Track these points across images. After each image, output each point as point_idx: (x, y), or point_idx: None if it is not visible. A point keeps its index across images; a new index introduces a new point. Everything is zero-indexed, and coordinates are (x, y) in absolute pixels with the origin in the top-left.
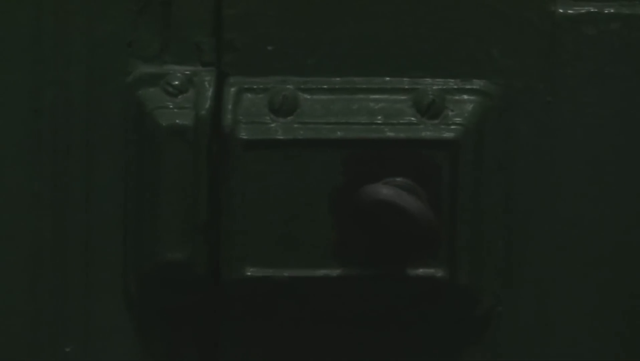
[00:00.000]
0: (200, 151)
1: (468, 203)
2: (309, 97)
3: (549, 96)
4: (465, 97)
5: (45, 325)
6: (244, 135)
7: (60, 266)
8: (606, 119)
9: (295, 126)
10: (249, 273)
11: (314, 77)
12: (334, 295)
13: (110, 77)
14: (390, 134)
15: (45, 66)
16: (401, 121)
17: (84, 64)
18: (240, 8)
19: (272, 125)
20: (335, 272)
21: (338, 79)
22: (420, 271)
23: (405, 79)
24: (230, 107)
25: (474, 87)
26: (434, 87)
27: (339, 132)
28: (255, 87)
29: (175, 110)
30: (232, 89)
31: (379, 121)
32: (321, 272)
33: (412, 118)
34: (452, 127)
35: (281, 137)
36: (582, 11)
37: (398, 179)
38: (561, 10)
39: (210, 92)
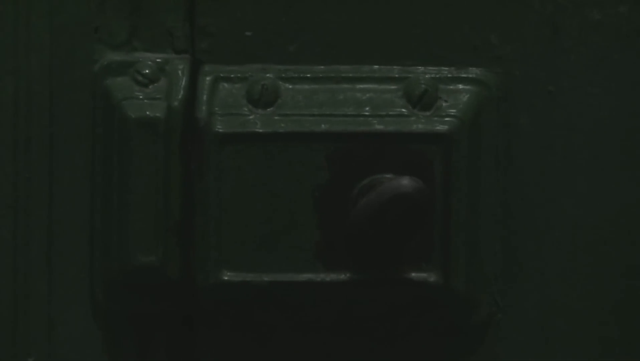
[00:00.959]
0: (173, 145)
1: (463, 202)
2: (290, 86)
3: (551, 85)
4: (461, 86)
5: (6, 334)
6: (220, 128)
7: (21, 271)
8: (612, 110)
9: (276, 118)
10: (226, 278)
11: (296, 65)
12: (318, 302)
13: (75, 66)
14: (379, 127)
15: (3, 54)
16: (391, 113)
17: (46, 52)
18: None
19: (251, 117)
20: (319, 277)
21: (322, 67)
22: (413, 275)
23: (395, 67)
24: (205, 97)
25: (470, 76)
26: (427, 76)
27: (323, 125)
28: (232, 76)
29: (145, 101)
30: (207, 78)
31: (367, 113)
32: (304, 277)
33: (403, 110)
34: (446, 119)
35: (260, 131)
36: None
37: (387, 176)
38: None
39: (183, 82)
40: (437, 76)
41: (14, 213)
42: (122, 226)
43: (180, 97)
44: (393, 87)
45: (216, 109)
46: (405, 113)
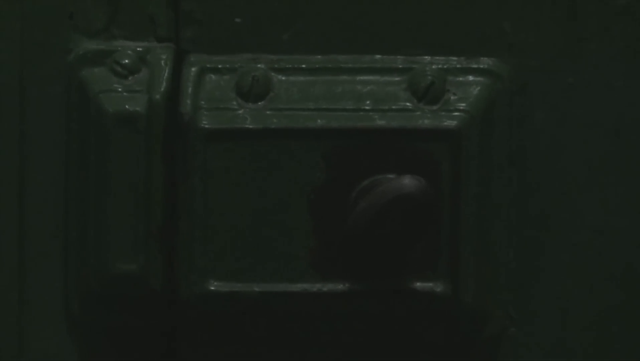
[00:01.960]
0: (155, 142)
1: (473, 205)
2: (283, 78)
3: (570, 77)
4: (471, 78)
5: None
6: (206, 124)
7: None
8: (638, 105)
9: (268, 112)
10: (213, 288)
11: (290, 55)
12: (314, 314)
13: (48, 56)
14: (381, 122)
15: None
16: (394, 107)
17: (16, 40)
18: None
19: (240, 112)
20: (315, 287)
21: (319, 57)
22: (417, 285)
23: (398, 57)
24: (190, 90)
25: (481, 66)
26: (433, 67)
27: (319, 121)
28: (219, 66)
29: (124, 94)
30: (193, 69)
31: (368, 107)
32: (299, 287)
33: (407, 104)
34: (455, 114)
35: (250, 127)
36: None
37: (389, 176)
38: None
39: (166, 73)
40: (445, 66)
41: None
42: (99, 232)
43: (162, 89)
44: (396, 78)
45: (202, 103)
46: (410, 107)
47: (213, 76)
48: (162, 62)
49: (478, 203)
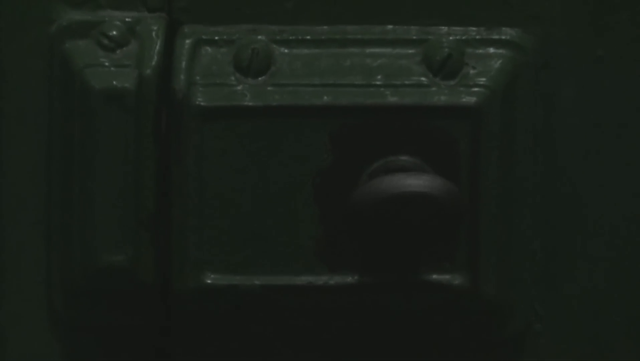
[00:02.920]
0: (145, 122)
1: (495, 189)
2: (286, 51)
3: (600, 49)
4: (492, 50)
5: None
6: (201, 101)
7: None
8: None
9: (269, 89)
10: (209, 281)
11: (293, 26)
12: (320, 310)
13: (29, 27)
14: (393, 99)
15: None
16: (407, 82)
17: None
18: None
19: (239, 88)
20: (321, 280)
21: (325, 27)
22: (434, 278)
23: (412, 27)
24: (183, 65)
25: (503, 37)
26: (450, 38)
27: (325, 97)
28: (216, 38)
29: (112, 69)
30: (187, 42)
31: (378, 83)
32: (303, 280)
33: (422, 78)
34: (474, 90)
35: (250, 104)
36: None
37: (403, 158)
38: None
39: (157, 46)
40: (463, 37)
41: None
42: (84, 220)
43: (153, 64)
44: (410, 51)
45: (197, 78)
46: (425, 83)
47: (209, 49)
48: (153, 33)
49: (500, 187)
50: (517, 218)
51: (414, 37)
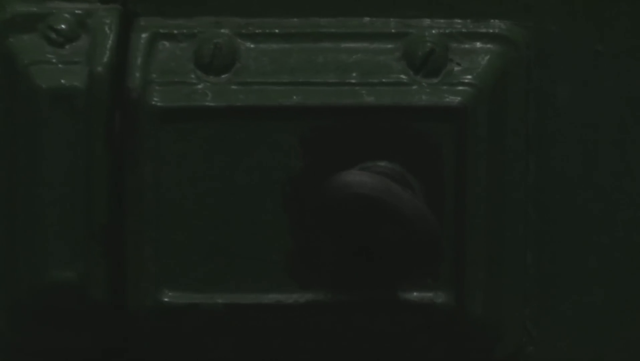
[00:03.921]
0: (97, 124)
1: (482, 198)
2: (252, 46)
3: (599, 44)
4: (479, 45)
5: None
6: (158, 101)
7: None
8: None
9: (233, 88)
10: (167, 299)
11: (260, 18)
12: (290, 331)
13: None
14: (370, 99)
15: None
16: (385, 80)
17: None
18: None
19: (200, 87)
20: (291, 298)
21: (295, 20)
22: (415, 295)
23: (391, 20)
24: (139, 61)
25: (491, 30)
26: (433, 32)
27: (295, 97)
28: (175, 32)
29: (60, 66)
30: (143, 36)
31: (354, 80)
32: (271, 298)
33: (402, 76)
34: (459, 88)
35: (212, 105)
36: None
37: (381, 163)
38: None
39: (111, 40)
40: (447, 31)
41: None
42: (30, 233)
43: (106, 60)
44: (389, 46)
45: (154, 76)
46: (405, 81)
47: (167, 44)
48: (106, 27)
49: (488, 195)
50: (507, 230)
51: (393, 31)
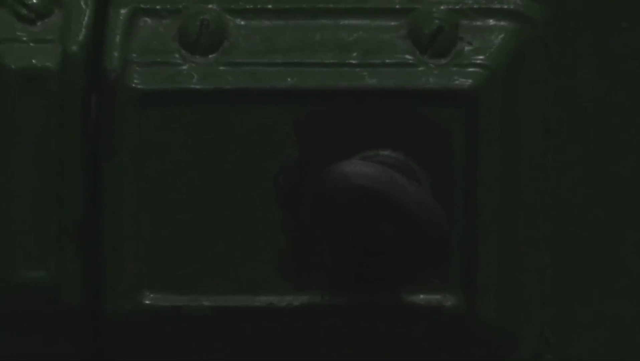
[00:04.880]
0: (71, 108)
1: (495, 190)
2: (242, 23)
3: (624, 21)
4: (492, 22)
5: None
6: (139, 83)
7: None
8: None
9: (222, 69)
10: (148, 302)
11: None
12: (282, 336)
13: None
14: (372, 81)
15: None
16: (389, 61)
17: None
18: None
19: (185, 67)
20: (285, 300)
21: None
22: (421, 298)
23: None
24: (118, 39)
25: (505, 6)
26: (442, 8)
27: (289, 79)
28: (158, 7)
29: (31, 44)
30: (122, 11)
31: (354, 61)
32: (263, 300)
33: (407, 56)
34: (470, 70)
35: (198, 87)
36: None
37: (384, 152)
38: None
39: (86, 17)
40: (458, 6)
41: None
42: None
43: (81, 39)
44: (393, 23)
45: (134, 56)
46: (411, 61)
47: (149, 20)
48: (82, 2)
49: (502, 188)
50: (522, 226)
51: (398, 6)
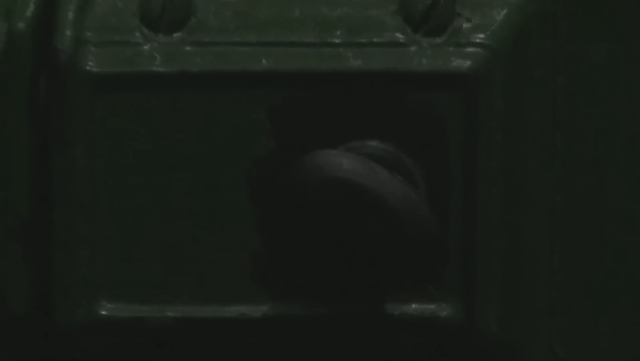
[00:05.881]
0: (17, 93)
1: (498, 186)
2: None
3: None
4: None
5: None
6: (94, 66)
7: None
8: None
9: (187, 49)
10: (105, 312)
11: None
12: (256, 350)
13: None
14: (357, 62)
15: None
16: (377, 40)
17: None
18: None
19: (146, 47)
20: (259, 311)
21: None
22: (413, 308)
23: None
24: (70, 16)
25: None
26: None
27: (264, 61)
28: None
29: None
30: None
31: (338, 40)
32: (234, 311)
33: (398, 34)
34: (469, 50)
35: (162, 70)
36: None
37: (371, 143)
38: None
39: None
40: None
41: None
42: None
43: (29, 15)
44: None
45: (89, 34)
46: (402, 40)
47: None
48: None
49: (505, 183)
50: (528, 226)
51: None
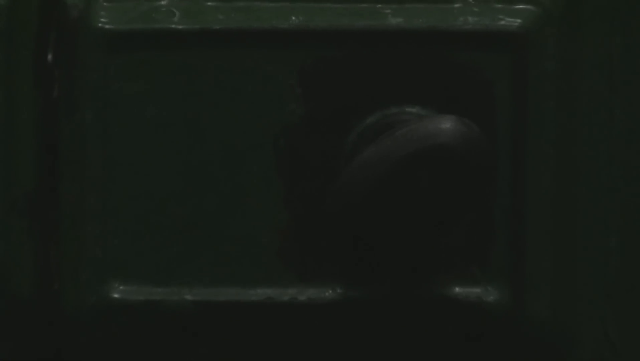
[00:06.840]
0: (23, 52)
1: (549, 157)
2: None
3: None
4: None
5: None
6: (107, 22)
7: None
8: None
9: (209, 4)
10: (117, 295)
11: None
12: (282, 338)
13: None
14: (396, 20)
15: None
16: None
17: None
18: None
19: (164, 2)
20: (287, 294)
21: None
22: (457, 291)
23: None
24: None
25: None
26: None
27: (294, 18)
28: None
29: None
30: None
31: None
32: (260, 294)
33: None
34: (518, 7)
35: (180, 27)
36: None
37: (411, 110)
38: None
39: None
40: None
41: None
42: None
43: None
44: None
45: None
46: None
47: None
48: None
49: (557, 154)
50: (583, 204)
51: None
